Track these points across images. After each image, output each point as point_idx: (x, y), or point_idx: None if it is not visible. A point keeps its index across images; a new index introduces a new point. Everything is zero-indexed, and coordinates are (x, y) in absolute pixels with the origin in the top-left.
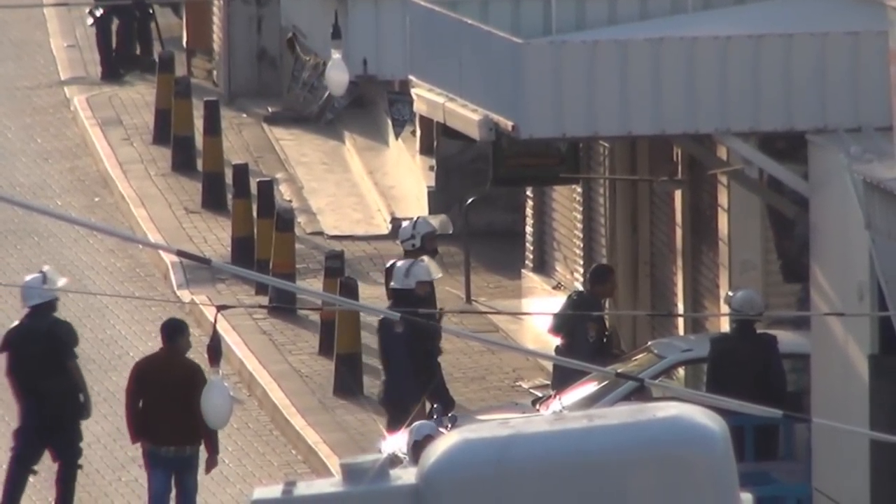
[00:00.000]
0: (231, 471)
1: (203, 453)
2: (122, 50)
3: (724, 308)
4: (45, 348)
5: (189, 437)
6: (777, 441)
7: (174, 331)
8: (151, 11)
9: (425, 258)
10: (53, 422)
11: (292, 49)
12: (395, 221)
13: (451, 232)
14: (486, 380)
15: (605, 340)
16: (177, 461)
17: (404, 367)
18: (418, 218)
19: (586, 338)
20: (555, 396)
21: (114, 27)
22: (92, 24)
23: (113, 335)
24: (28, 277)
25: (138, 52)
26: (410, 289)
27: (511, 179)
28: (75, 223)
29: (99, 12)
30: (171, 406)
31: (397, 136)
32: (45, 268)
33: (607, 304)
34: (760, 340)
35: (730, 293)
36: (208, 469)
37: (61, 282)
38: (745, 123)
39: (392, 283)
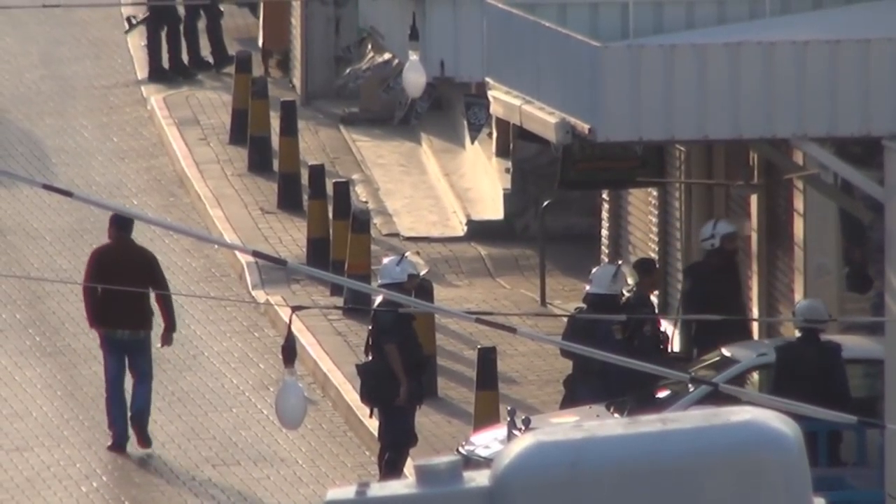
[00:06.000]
0: (304, 472)
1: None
2: (173, 56)
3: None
4: (372, 329)
5: (142, 321)
6: (842, 448)
7: (126, 220)
8: (221, 11)
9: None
10: (369, 401)
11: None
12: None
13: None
14: (560, 382)
15: (661, 336)
16: (130, 344)
17: (620, 376)
18: (718, 219)
19: (644, 335)
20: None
21: (164, 33)
22: (127, 32)
23: (188, 335)
24: (386, 260)
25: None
26: (615, 294)
27: (581, 182)
28: (151, 222)
29: (136, 19)
30: (126, 291)
31: (473, 140)
32: (407, 253)
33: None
34: (825, 348)
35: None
36: (163, 342)
37: (423, 270)
38: (822, 128)
39: (594, 289)
